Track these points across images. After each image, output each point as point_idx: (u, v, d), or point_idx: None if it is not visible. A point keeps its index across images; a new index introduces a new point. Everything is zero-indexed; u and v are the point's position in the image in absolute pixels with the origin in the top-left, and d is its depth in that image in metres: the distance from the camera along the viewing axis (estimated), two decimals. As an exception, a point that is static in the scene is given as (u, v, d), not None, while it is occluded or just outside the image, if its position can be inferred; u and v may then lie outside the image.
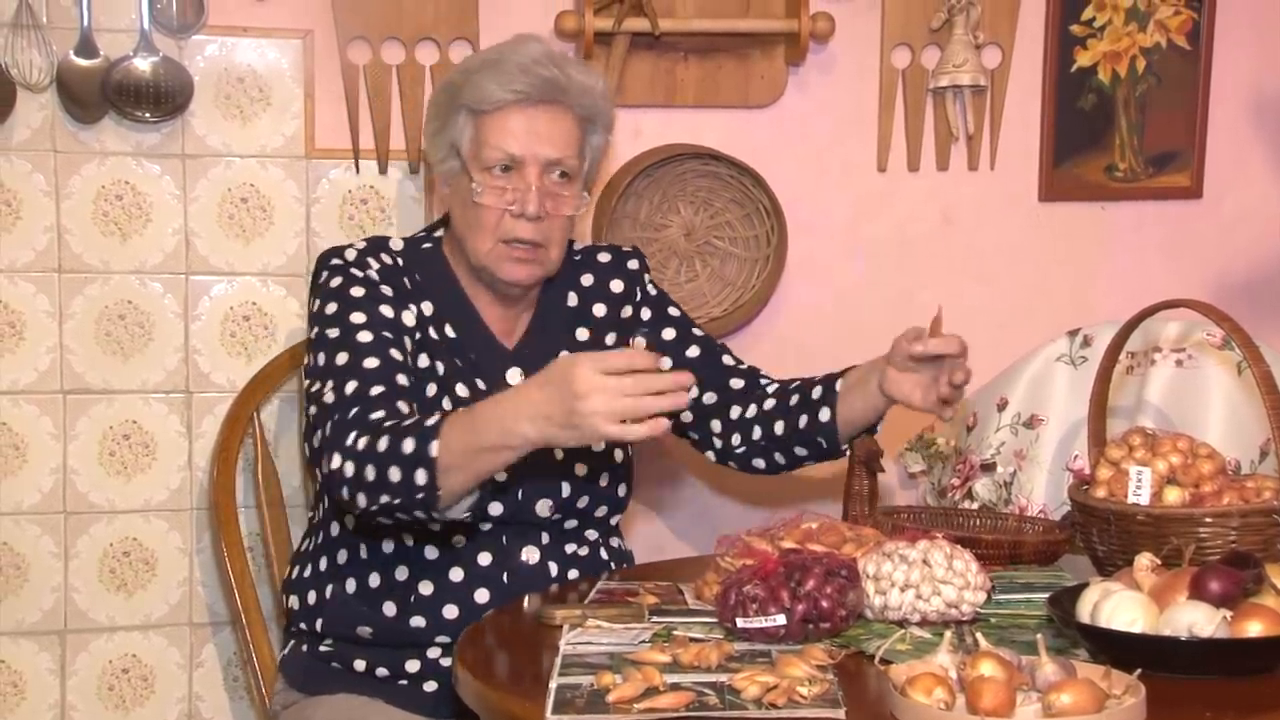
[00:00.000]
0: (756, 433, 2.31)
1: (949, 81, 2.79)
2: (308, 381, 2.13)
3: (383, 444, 1.93)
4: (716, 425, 2.35)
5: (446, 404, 2.17)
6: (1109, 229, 2.95)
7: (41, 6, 2.50)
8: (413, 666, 2.17)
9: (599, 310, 2.34)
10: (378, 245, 2.25)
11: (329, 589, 2.23)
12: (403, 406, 2.04)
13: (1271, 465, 2.40)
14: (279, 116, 2.62)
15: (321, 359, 2.10)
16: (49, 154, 2.54)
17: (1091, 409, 2.21)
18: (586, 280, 2.35)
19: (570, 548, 2.25)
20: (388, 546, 2.19)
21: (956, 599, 1.87)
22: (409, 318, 2.18)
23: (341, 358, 2.09)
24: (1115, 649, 1.67)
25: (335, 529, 2.24)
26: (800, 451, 2.30)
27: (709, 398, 2.34)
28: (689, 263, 2.77)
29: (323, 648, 2.24)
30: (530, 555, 2.20)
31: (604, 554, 2.29)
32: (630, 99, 2.71)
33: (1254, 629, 1.68)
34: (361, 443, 1.96)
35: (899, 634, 1.80)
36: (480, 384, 2.21)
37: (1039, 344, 2.69)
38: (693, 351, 2.36)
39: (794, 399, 2.28)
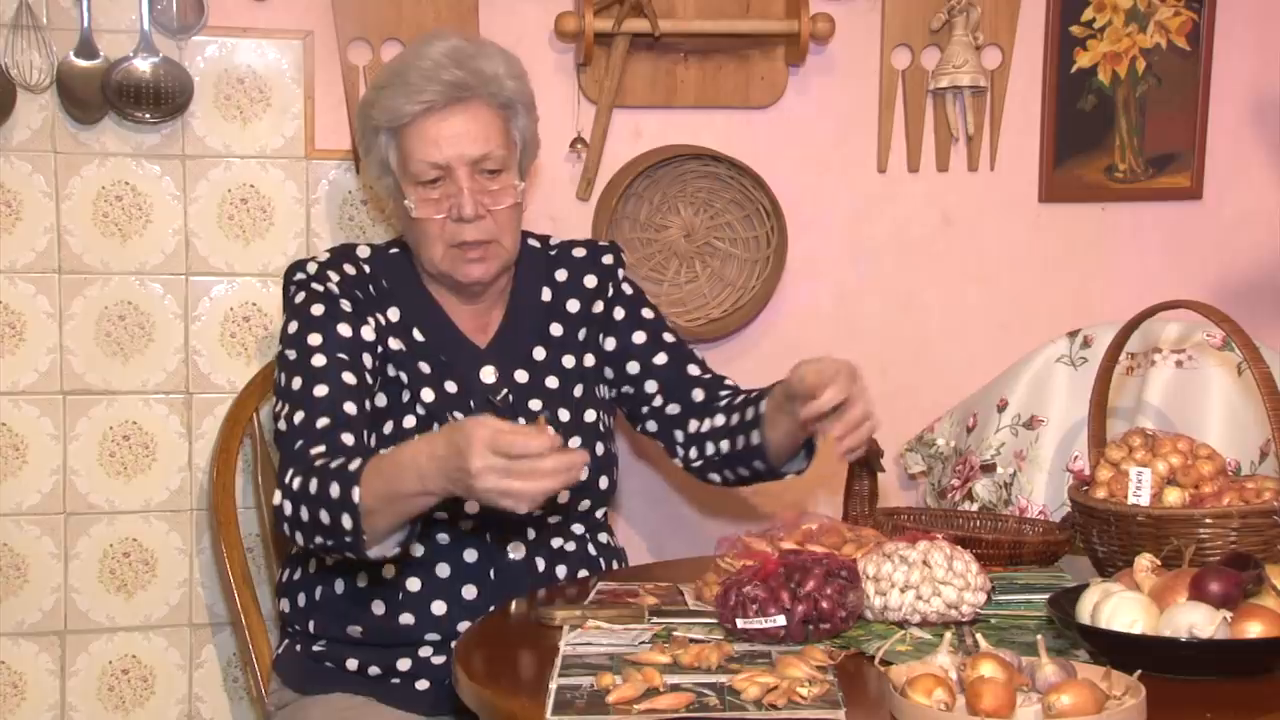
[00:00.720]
0: (710, 448, 2.30)
1: (949, 82, 2.79)
2: (274, 399, 2.18)
3: (313, 486, 1.96)
4: (679, 435, 2.34)
5: (417, 412, 2.18)
6: (1109, 230, 2.94)
7: (41, 7, 2.50)
8: (404, 665, 2.18)
9: (572, 306, 2.33)
10: (343, 255, 2.26)
11: (319, 590, 2.24)
12: (347, 438, 2.07)
13: (1271, 466, 2.40)
14: (279, 117, 2.62)
15: (282, 379, 2.16)
16: (49, 155, 2.54)
17: (1091, 410, 2.21)
18: (560, 275, 2.34)
19: (556, 543, 2.25)
20: None
21: (957, 600, 1.87)
22: (368, 332, 2.19)
23: (296, 382, 2.13)
24: (1115, 650, 1.67)
25: None
26: (743, 472, 2.29)
27: (672, 409, 2.34)
28: (689, 264, 2.77)
29: (316, 648, 2.24)
30: (516, 551, 2.21)
31: (592, 549, 2.29)
32: (630, 100, 2.71)
33: (1254, 630, 1.68)
34: (296, 482, 2.00)
35: (899, 635, 1.80)
36: (451, 387, 2.21)
37: (1039, 345, 2.69)
38: (660, 359, 2.35)
39: (735, 417, 2.26)
